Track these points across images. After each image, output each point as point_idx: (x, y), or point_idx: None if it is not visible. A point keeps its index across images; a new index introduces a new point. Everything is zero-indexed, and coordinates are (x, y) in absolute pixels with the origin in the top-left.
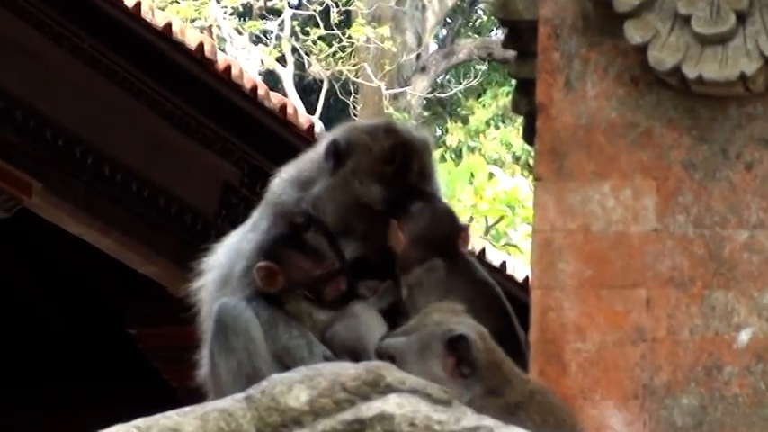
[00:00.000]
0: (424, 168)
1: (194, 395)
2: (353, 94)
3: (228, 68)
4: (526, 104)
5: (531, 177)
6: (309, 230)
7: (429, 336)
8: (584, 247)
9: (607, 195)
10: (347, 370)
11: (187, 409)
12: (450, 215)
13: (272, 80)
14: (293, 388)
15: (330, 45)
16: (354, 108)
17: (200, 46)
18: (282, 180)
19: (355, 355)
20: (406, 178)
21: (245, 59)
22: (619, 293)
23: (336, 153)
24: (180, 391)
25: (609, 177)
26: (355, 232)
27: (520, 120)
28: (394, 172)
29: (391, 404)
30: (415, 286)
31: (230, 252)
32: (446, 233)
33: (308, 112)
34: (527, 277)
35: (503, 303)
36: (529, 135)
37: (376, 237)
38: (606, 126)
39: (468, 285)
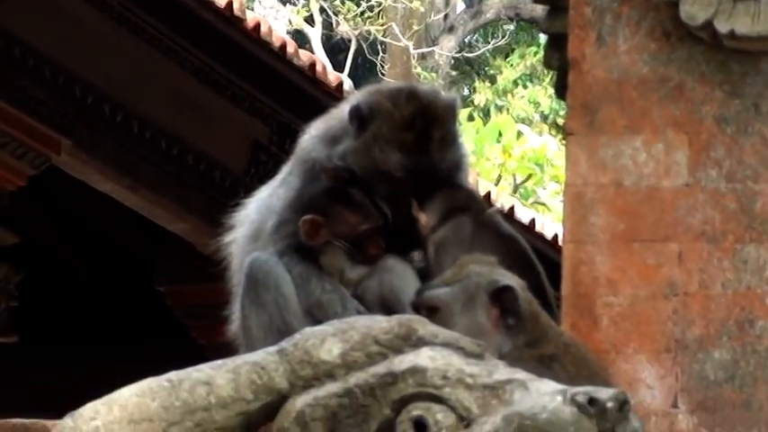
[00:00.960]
0: (446, 135)
1: (222, 352)
2: (381, 54)
3: (257, 26)
4: (558, 59)
5: (558, 136)
6: (354, 186)
7: (474, 286)
8: (615, 201)
9: (639, 150)
10: (379, 323)
11: (219, 362)
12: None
13: (299, 40)
14: (326, 341)
15: (358, 5)
16: (382, 68)
17: (230, 3)
18: (312, 136)
19: (388, 309)
20: (427, 146)
21: (273, 19)
22: (650, 247)
23: (359, 117)
24: (208, 347)
25: (641, 132)
26: (377, 195)
27: (547, 79)
28: (414, 139)
29: (424, 357)
30: (441, 244)
31: (261, 207)
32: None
33: (336, 71)
34: (556, 235)
35: (530, 257)
36: (561, 90)
37: (397, 204)
38: (638, 81)
39: (495, 241)
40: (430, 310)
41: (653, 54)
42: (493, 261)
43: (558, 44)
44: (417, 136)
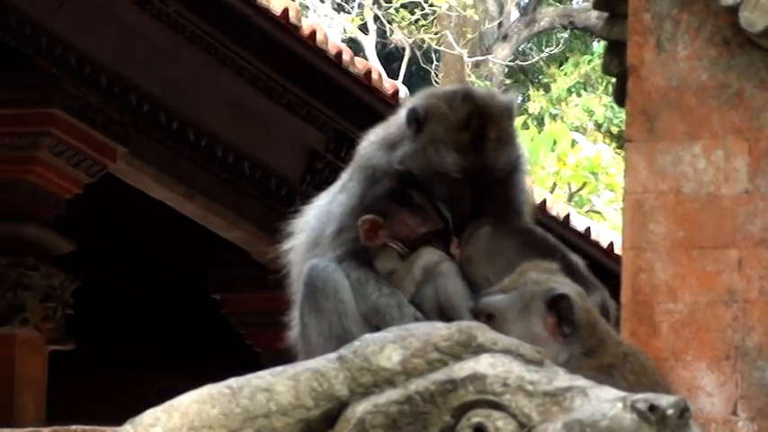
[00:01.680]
0: (501, 135)
1: (278, 359)
2: (435, 62)
3: (313, 34)
4: (617, 66)
5: (613, 144)
6: (414, 189)
7: (530, 294)
8: (675, 209)
9: (698, 156)
10: (439, 330)
11: (279, 369)
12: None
13: (353, 48)
14: (385, 348)
15: (412, 13)
16: (436, 76)
17: (285, 11)
18: (371, 142)
19: (445, 314)
20: (483, 146)
21: (327, 27)
22: (710, 254)
23: (415, 120)
24: (264, 355)
25: (700, 138)
26: (437, 198)
27: (601, 87)
28: (470, 140)
29: (483, 364)
30: (468, 260)
31: (320, 214)
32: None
33: (390, 78)
34: (611, 243)
35: (550, 242)
36: (619, 97)
37: (456, 207)
38: (697, 87)
39: (513, 231)
40: (487, 317)
41: (712, 60)
42: (554, 268)
43: (616, 51)
44: (473, 136)
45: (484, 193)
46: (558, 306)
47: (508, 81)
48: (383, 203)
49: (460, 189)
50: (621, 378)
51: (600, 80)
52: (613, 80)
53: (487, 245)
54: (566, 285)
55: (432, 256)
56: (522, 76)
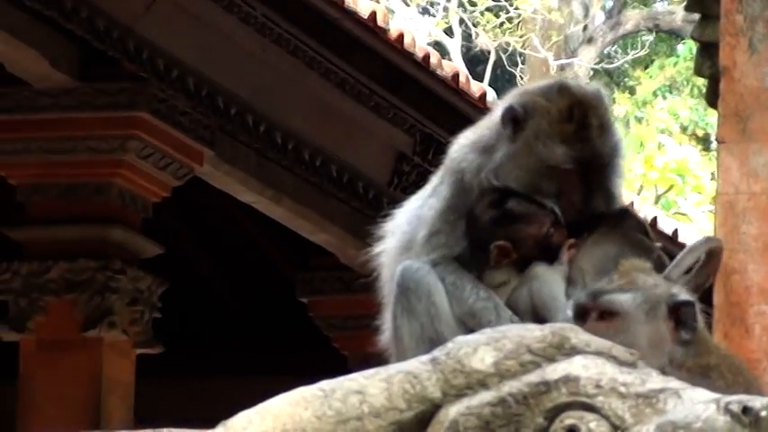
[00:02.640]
0: (602, 121)
1: (365, 363)
2: (520, 65)
3: (401, 37)
4: (709, 67)
5: (699, 146)
6: (508, 199)
7: (656, 297)
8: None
9: None
10: (532, 332)
11: (371, 371)
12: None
13: (439, 51)
14: (478, 350)
15: (497, 16)
16: (521, 79)
17: (373, 14)
18: (462, 146)
19: (539, 317)
20: (588, 134)
21: (413, 30)
22: None
23: (514, 119)
24: (351, 358)
25: None
26: (544, 194)
27: (687, 90)
28: (574, 130)
29: (576, 366)
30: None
31: (411, 218)
32: None
33: (476, 80)
34: None
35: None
36: (711, 98)
37: (568, 195)
38: None
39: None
40: (604, 314)
41: None
42: (649, 267)
43: (708, 52)
44: (577, 126)
45: (591, 183)
46: (679, 312)
47: (593, 83)
48: (497, 230)
49: (570, 181)
50: (720, 378)
51: (685, 83)
52: (699, 82)
53: (589, 244)
54: (684, 292)
55: (542, 268)
56: (608, 78)
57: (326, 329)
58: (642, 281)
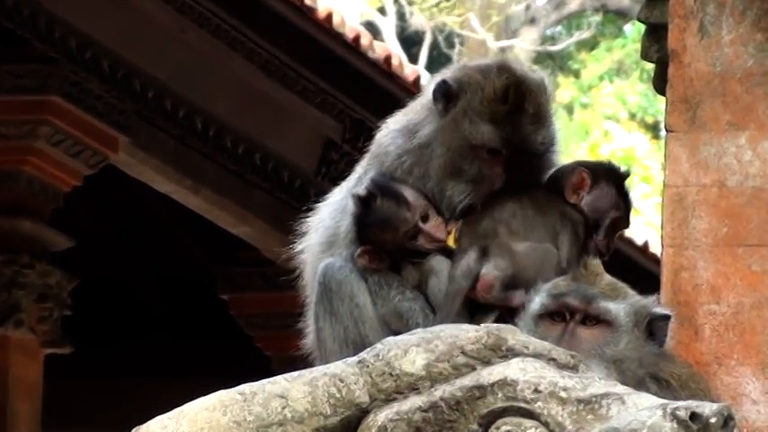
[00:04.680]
0: (539, 110)
1: (289, 365)
2: (458, 47)
3: (330, 16)
4: (657, 51)
5: (648, 134)
6: (377, 199)
7: (642, 309)
8: (719, 203)
9: (744, 148)
10: (466, 333)
11: (295, 374)
12: None
13: (371, 31)
14: (409, 352)
15: None
16: (458, 62)
17: None
18: (390, 130)
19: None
20: (520, 119)
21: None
22: (756, 252)
23: (447, 93)
24: (274, 360)
25: (746, 128)
26: (464, 176)
27: (635, 74)
28: (507, 112)
29: (514, 369)
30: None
31: (335, 210)
32: None
33: (411, 63)
34: (646, 241)
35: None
36: (659, 84)
37: (486, 182)
38: (743, 74)
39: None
40: (590, 320)
41: (759, 45)
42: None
43: (656, 35)
44: (510, 108)
45: (517, 172)
46: (653, 325)
47: (536, 67)
48: (359, 231)
49: (493, 164)
50: (682, 388)
51: (634, 66)
52: (649, 66)
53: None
54: (656, 304)
55: (438, 258)
56: (551, 62)
57: (249, 329)
58: (622, 288)
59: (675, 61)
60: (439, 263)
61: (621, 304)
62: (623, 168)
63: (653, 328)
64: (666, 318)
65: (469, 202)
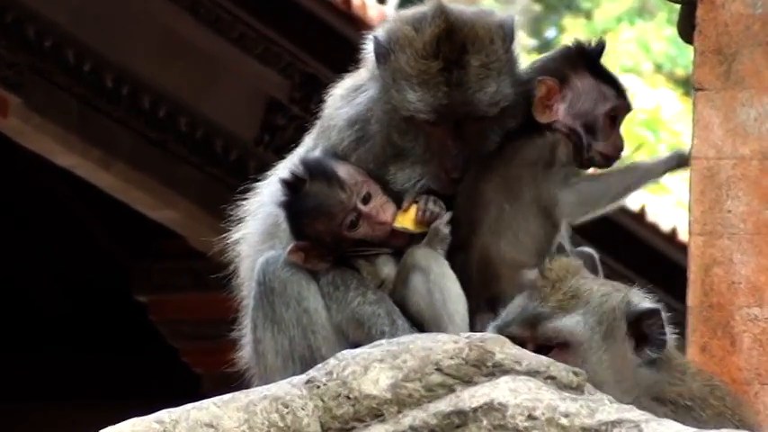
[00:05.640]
0: (488, 62)
1: (223, 384)
2: None
3: None
4: None
5: (679, 91)
6: (306, 183)
7: (611, 312)
8: (761, 180)
9: None
10: (443, 345)
11: (226, 397)
12: None
13: None
14: (370, 369)
15: None
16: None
17: None
18: (336, 97)
19: (432, 325)
20: (460, 78)
21: None
22: None
23: (378, 53)
24: (205, 379)
25: None
26: (408, 157)
27: (662, 14)
28: (439, 70)
29: (503, 390)
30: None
31: (277, 192)
32: None
33: (379, 3)
34: (675, 227)
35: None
36: (686, 30)
37: (437, 162)
38: None
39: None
40: (547, 346)
41: None
42: (580, 265)
43: None
44: (443, 64)
45: (473, 142)
46: (642, 324)
47: (537, 7)
48: (292, 221)
49: (440, 141)
50: (704, 408)
51: (660, 4)
52: (677, 6)
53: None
54: (641, 296)
55: (422, 253)
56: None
57: (173, 339)
58: (587, 291)
59: (706, 1)
60: (424, 257)
61: (576, 317)
62: (590, 43)
63: (642, 329)
64: (653, 312)
65: (423, 189)
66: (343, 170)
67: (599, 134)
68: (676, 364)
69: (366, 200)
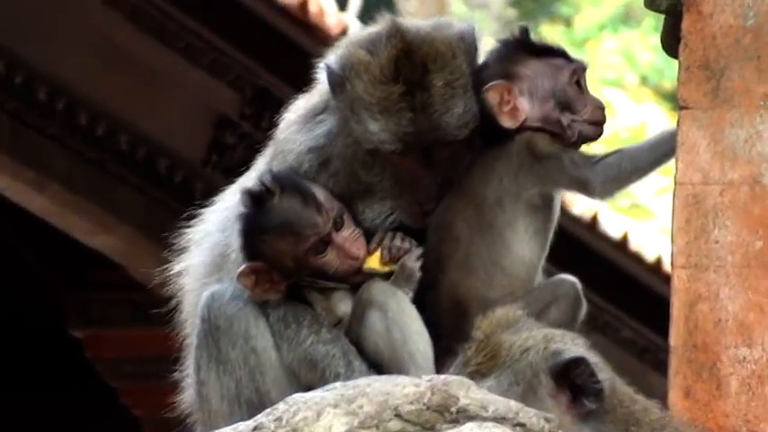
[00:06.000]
0: (452, 80)
1: (165, 430)
2: None
3: None
4: None
5: (666, 105)
6: (275, 196)
7: (529, 369)
8: (751, 208)
9: None
10: (403, 388)
11: None
12: None
13: None
14: (323, 414)
15: None
16: (403, 9)
17: None
18: (289, 122)
19: (391, 366)
20: (424, 101)
21: None
22: None
23: (333, 82)
24: (146, 423)
25: None
26: (377, 192)
27: (649, 21)
28: (401, 94)
29: None
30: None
31: (225, 220)
32: None
33: (339, 10)
34: (659, 258)
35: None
36: (670, 43)
37: (409, 194)
38: None
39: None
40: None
41: None
42: (518, 315)
43: None
44: (405, 88)
45: (444, 168)
46: (571, 375)
47: (512, 12)
48: (249, 239)
49: (409, 172)
50: None
51: (647, 10)
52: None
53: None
54: (570, 342)
55: (379, 288)
56: (532, 4)
57: (111, 378)
58: (507, 349)
59: (692, 11)
60: (380, 292)
61: (489, 381)
62: (517, 30)
63: (573, 381)
64: (578, 361)
65: (395, 225)
66: (319, 191)
67: (574, 105)
68: (653, 420)
69: (339, 228)
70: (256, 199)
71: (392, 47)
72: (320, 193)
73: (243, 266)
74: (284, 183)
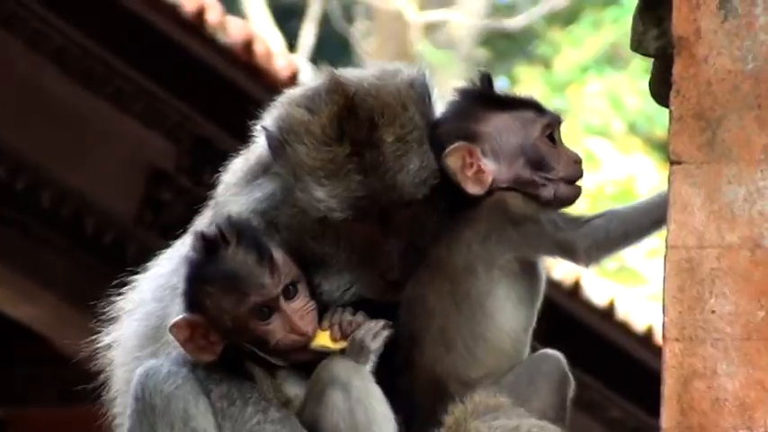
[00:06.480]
0: (404, 133)
1: None
2: (360, 21)
3: None
4: (656, 38)
5: (657, 155)
6: (230, 246)
7: None
8: (752, 274)
9: None
10: None
11: None
12: None
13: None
14: None
15: None
16: (361, 48)
17: None
18: (227, 185)
19: None
20: (375, 161)
21: None
22: None
23: (271, 147)
24: None
25: None
26: (333, 264)
27: (636, 63)
28: (348, 156)
29: None
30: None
31: (161, 287)
32: None
33: (288, 51)
34: (650, 328)
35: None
36: (659, 89)
37: (367, 263)
38: None
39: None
40: None
41: None
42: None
43: (655, 14)
44: (353, 148)
45: (404, 231)
46: None
47: (483, 51)
48: (190, 289)
49: (365, 238)
50: None
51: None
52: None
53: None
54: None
55: (343, 366)
56: (507, 43)
57: None
58: None
59: (685, 54)
60: (344, 370)
61: None
62: (473, 82)
63: None
64: None
65: (356, 299)
66: (278, 252)
67: (547, 162)
68: None
69: (291, 297)
70: (208, 245)
71: (333, 103)
72: (279, 255)
73: (179, 317)
74: (243, 233)
